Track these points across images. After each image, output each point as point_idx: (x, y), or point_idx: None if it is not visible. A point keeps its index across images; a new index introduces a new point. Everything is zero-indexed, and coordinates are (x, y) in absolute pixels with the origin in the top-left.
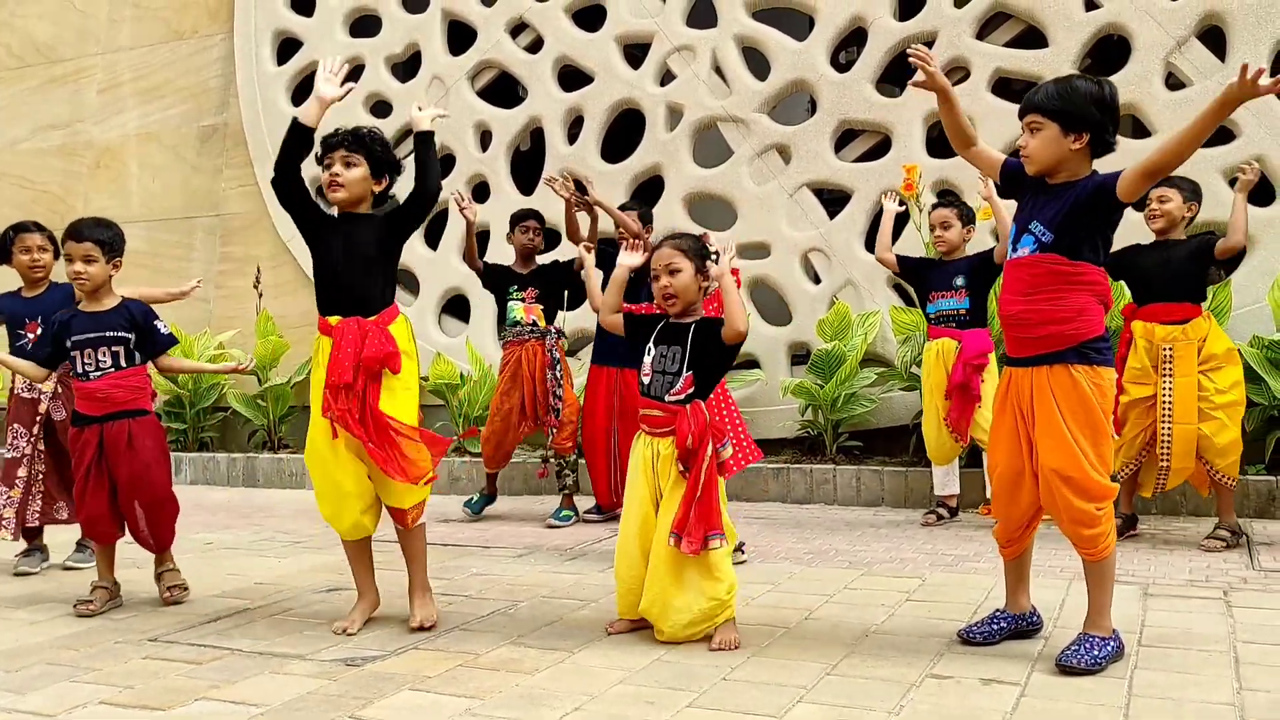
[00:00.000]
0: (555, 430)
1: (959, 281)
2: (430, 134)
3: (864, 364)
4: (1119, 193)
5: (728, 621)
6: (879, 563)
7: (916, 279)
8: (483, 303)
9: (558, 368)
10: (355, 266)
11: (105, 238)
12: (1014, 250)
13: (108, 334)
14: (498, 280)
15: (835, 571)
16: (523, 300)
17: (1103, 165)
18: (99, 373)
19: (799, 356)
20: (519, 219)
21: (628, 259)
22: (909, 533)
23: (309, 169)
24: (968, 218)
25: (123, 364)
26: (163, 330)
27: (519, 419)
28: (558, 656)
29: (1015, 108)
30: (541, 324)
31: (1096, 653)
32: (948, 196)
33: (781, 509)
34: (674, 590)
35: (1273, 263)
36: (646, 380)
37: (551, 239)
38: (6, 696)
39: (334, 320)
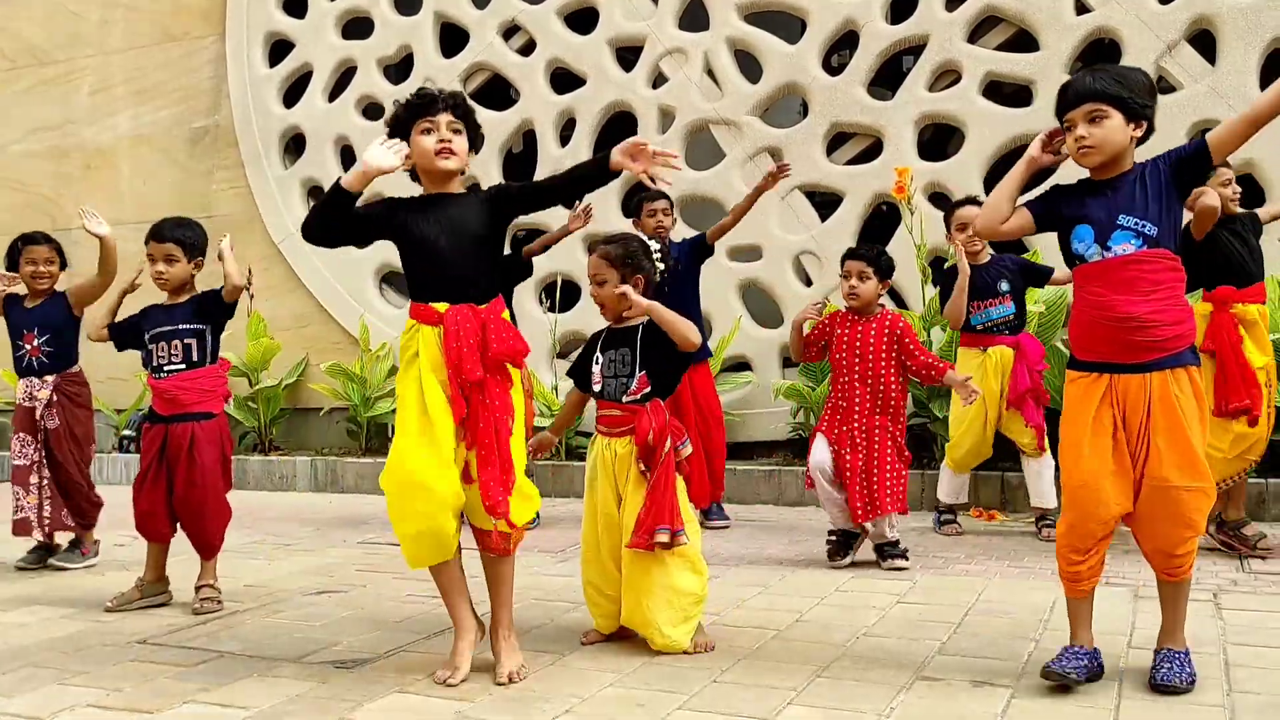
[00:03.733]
0: None
1: (1003, 286)
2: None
3: None
4: (1213, 150)
5: (699, 626)
6: (870, 565)
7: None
8: None
9: None
10: (463, 247)
11: (187, 238)
12: (1105, 249)
13: (181, 326)
14: None
15: (826, 574)
16: None
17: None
18: (171, 368)
19: (791, 359)
20: None
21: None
22: (900, 535)
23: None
24: None
25: (194, 359)
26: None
27: None
28: (548, 659)
29: (1006, 111)
30: None
31: (1189, 667)
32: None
33: (773, 511)
34: (650, 594)
35: (1265, 266)
36: (598, 387)
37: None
38: None
39: (441, 307)
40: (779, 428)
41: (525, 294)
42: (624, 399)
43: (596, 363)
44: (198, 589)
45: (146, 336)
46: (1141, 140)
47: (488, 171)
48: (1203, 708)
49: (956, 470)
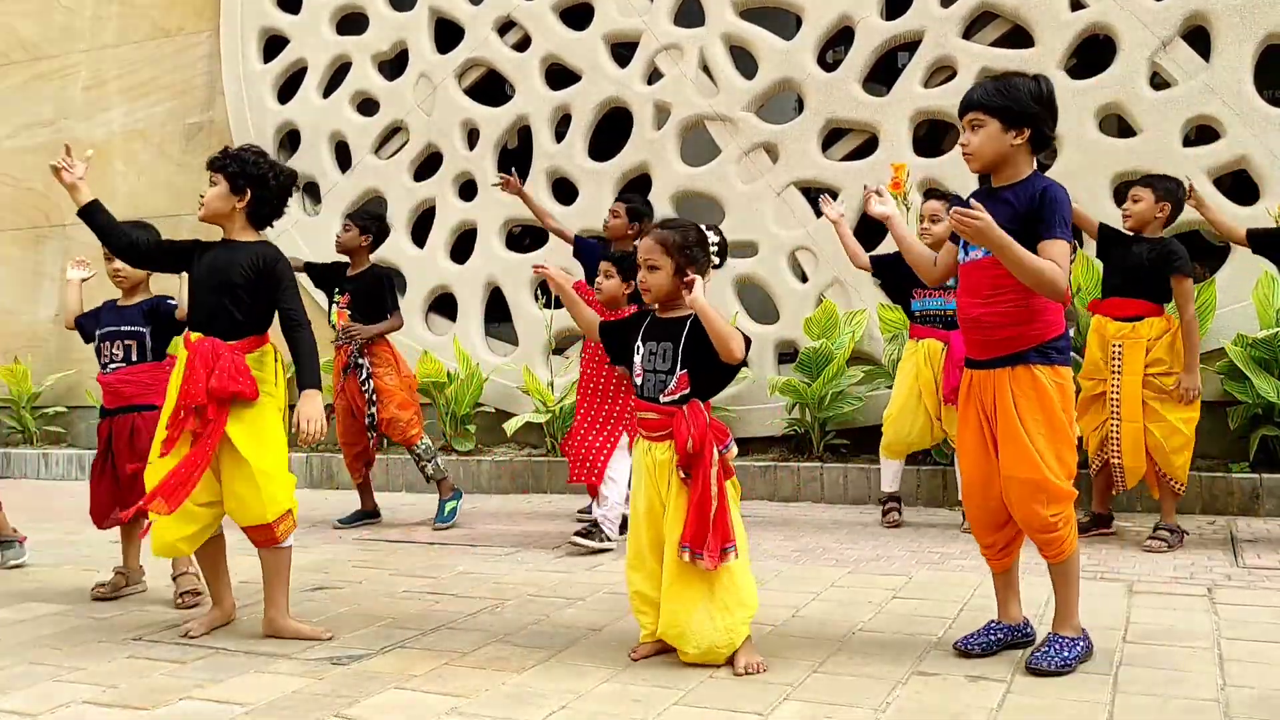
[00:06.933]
0: (375, 431)
1: (950, 280)
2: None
3: (851, 362)
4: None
5: (746, 640)
6: (865, 560)
7: (897, 274)
8: (470, 301)
9: (362, 370)
10: (219, 289)
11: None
12: (966, 254)
13: (124, 328)
14: (327, 278)
15: (822, 569)
16: (337, 304)
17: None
18: (114, 365)
19: (786, 355)
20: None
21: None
22: (895, 531)
23: None
24: None
25: (134, 358)
26: (173, 305)
27: (353, 422)
28: (544, 655)
29: None
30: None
31: (1066, 654)
32: (939, 190)
33: (768, 507)
34: (692, 609)
35: (1257, 262)
36: (639, 381)
37: (539, 236)
38: None
39: (194, 336)
40: (774, 423)
41: (521, 291)
42: (661, 399)
43: (637, 353)
44: (175, 578)
45: (96, 335)
46: (1042, 144)
47: (483, 168)
48: (1197, 702)
49: (892, 459)
